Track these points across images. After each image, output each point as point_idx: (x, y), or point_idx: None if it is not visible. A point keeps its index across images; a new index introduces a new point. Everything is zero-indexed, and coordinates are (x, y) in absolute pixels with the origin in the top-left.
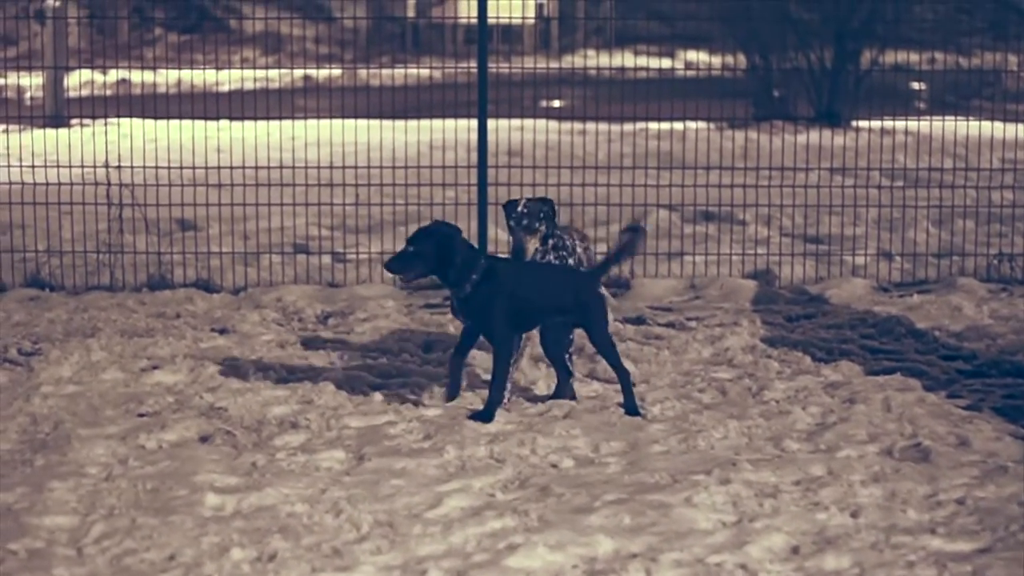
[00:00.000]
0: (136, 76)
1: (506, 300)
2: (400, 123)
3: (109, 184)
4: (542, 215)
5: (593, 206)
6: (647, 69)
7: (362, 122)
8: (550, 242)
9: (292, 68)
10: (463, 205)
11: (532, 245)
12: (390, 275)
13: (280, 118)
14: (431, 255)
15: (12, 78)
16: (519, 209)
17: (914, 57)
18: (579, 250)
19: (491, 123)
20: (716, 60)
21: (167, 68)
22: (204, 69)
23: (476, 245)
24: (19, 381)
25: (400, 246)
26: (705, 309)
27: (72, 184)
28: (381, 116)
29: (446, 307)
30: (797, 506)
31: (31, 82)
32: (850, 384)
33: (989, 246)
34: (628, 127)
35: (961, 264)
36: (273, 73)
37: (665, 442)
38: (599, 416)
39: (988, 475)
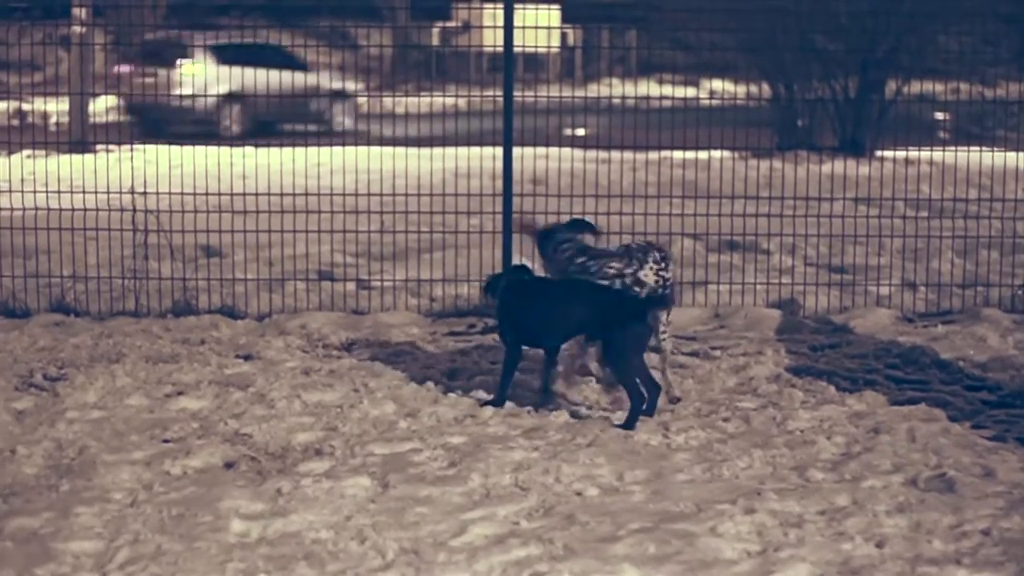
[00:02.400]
0: None
1: None
2: (425, 151)
3: (134, 210)
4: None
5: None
6: (671, 98)
7: (387, 149)
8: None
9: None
10: (488, 233)
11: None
12: (414, 302)
13: (305, 145)
14: None
15: (37, 104)
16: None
17: (938, 87)
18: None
19: (515, 151)
20: (740, 89)
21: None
22: None
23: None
24: (44, 406)
25: (425, 274)
26: (729, 338)
27: (97, 210)
28: (406, 143)
29: (470, 334)
30: (822, 536)
31: (56, 108)
32: (875, 414)
33: (1014, 276)
34: (652, 156)
35: (986, 294)
36: None
37: (690, 471)
38: (623, 444)
39: (1013, 506)
